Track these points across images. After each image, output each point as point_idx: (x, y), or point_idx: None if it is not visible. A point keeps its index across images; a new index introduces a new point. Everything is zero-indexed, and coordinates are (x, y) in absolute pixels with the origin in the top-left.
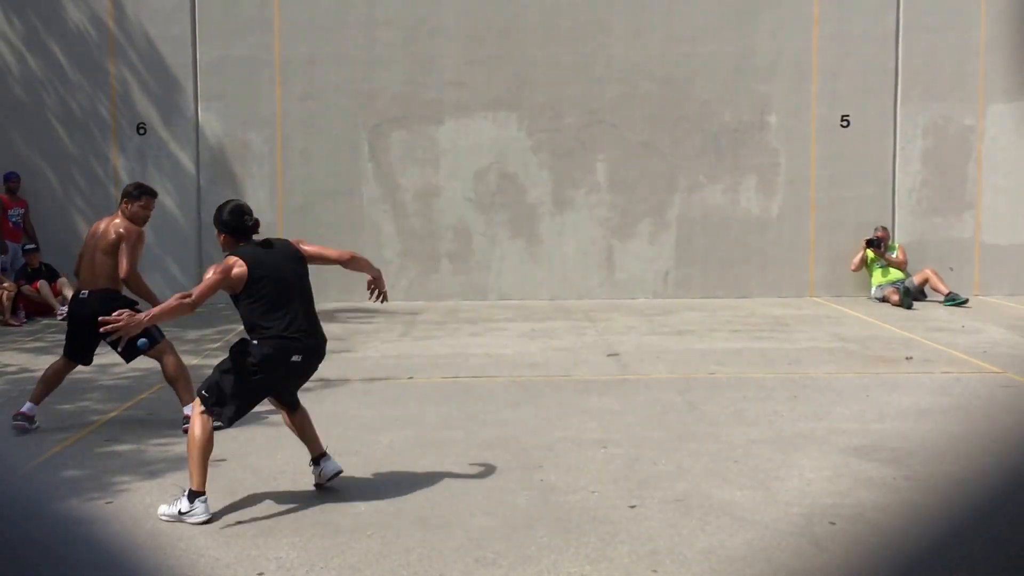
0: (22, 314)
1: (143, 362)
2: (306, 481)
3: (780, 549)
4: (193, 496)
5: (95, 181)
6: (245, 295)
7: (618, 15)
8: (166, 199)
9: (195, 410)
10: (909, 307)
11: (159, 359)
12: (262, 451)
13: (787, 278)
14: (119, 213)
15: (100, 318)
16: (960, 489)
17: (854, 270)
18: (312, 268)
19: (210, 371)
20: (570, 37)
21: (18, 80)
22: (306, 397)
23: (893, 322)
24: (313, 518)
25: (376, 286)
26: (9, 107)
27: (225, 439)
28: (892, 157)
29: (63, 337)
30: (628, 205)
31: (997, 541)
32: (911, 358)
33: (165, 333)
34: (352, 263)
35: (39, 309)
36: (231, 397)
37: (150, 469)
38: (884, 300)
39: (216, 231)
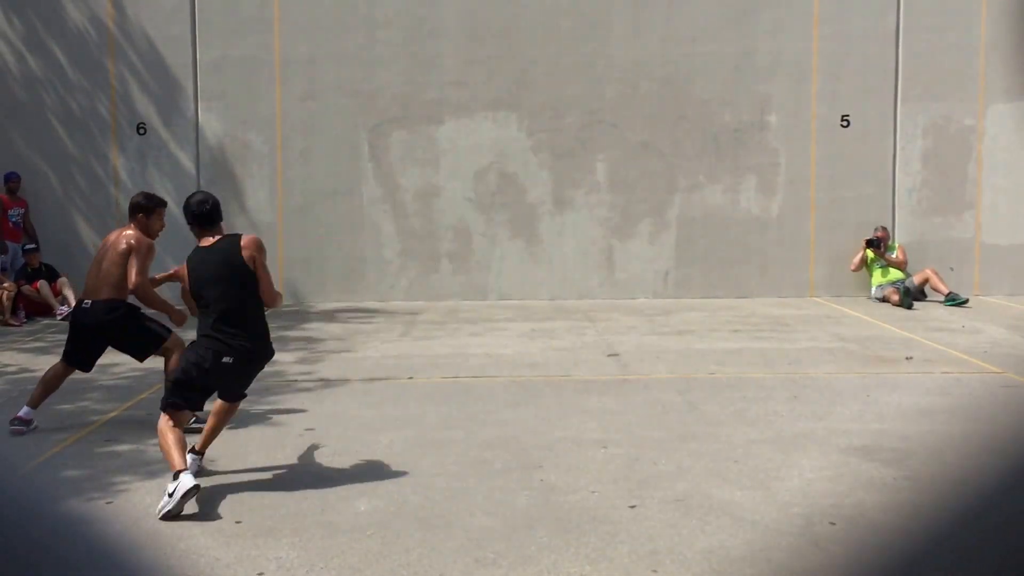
0: (22, 314)
1: (143, 362)
2: (306, 481)
3: (780, 549)
4: (176, 475)
5: (95, 181)
6: (192, 292)
7: (618, 15)
8: (166, 199)
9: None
10: (909, 307)
11: (166, 356)
12: (262, 451)
13: (787, 278)
14: (131, 225)
15: None
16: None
17: (854, 270)
18: (311, 268)
19: None
20: (570, 37)
21: (18, 80)
22: (306, 397)
23: (893, 322)
24: (313, 518)
25: None
26: (9, 107)
27: (225, 439)
28: (892, 157)
29: (63, 337)
30: (628, 205)
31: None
32: (911, 358)
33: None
34: (272, 303)
35: (39, 309)
36: (171, 384)
37: (150, 469)
38: (884, 300)
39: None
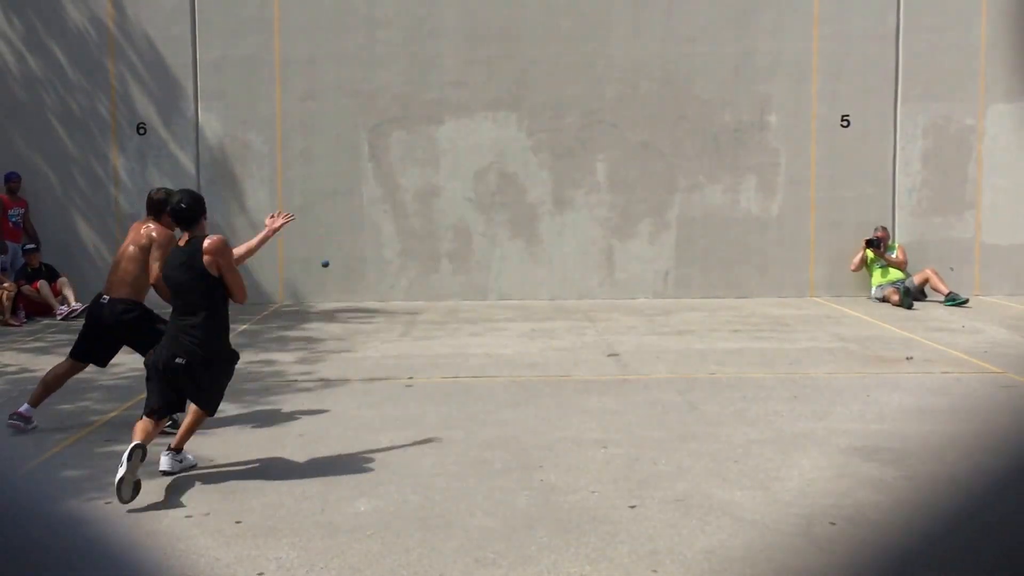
0: (22, 314)
1: (143, 362)
2: (306, 481)
3: (780, 549)
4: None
5: (95, 181)
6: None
7: (618, 15)
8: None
9: None
10: (909, 307)
11: None
12: (262, 451)
13: (787, 278)
14: (150, 218)
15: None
16: (960, 489)
17: (854, 270)
18: (311, 268)
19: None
20: (570, 37)
21: (18, 80)
22: (307, 397)
23: (893, 322)
24: (313, 518)
25: None
26: (9, 107)
27: (225, 439)
28: (892, 157)
29: (63, 337)
30: (628, 205)
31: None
32: (911, 358)
33: None
34: (239, 301)
35: (39, 309)
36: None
37: (150, 469)
38: (884, 300)
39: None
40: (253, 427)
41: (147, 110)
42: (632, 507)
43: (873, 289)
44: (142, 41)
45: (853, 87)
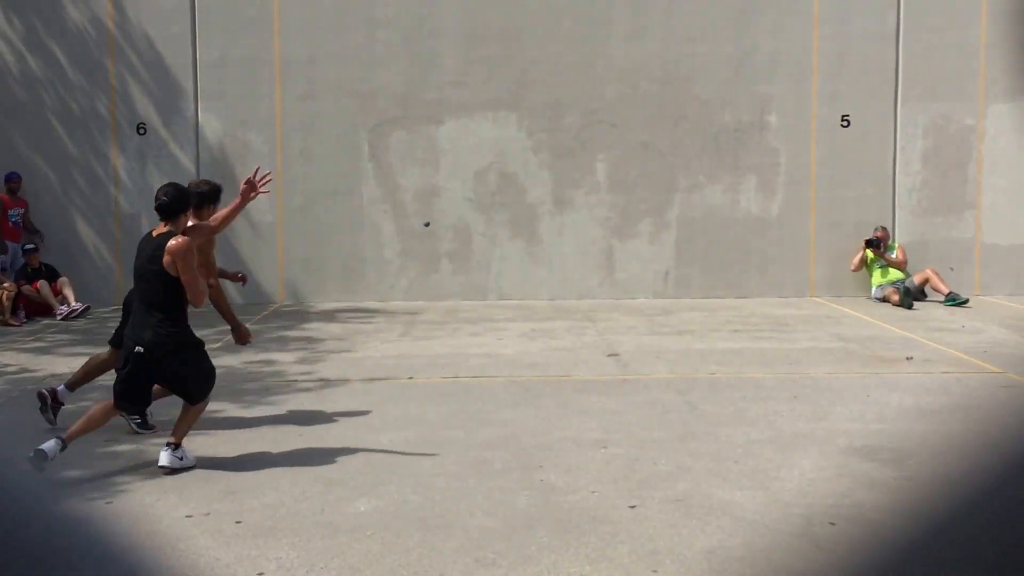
0: (22, 314)
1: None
2: (306, 481)
3: (780, 549)
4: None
5: (95, 181)
6: None
7: (618, 15)
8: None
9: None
10: (909, 307)
11: None
12: (262, 451)
13: (787, 278)
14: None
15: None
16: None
17: (854, 270)
18: (311, 268)
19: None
20: (570, 37)
21: (18, 80)
22: (307, 397)
23: (893, 322)
24: (313, 518)
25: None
26: (9, 107)
27: (225, 439)
28: (892, 157)
29: (63, 337)
30: (628, 205)
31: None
32: (911, 358)
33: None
34: (196, 303)
35: (39, 309)
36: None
37: (150, 469)
38: (884, 300)
39: None
40: (253, 427)
41: (147, 110)
42: (632, 507)
43: (873, 289)
44: (142, 41)
45: (853, 87)
